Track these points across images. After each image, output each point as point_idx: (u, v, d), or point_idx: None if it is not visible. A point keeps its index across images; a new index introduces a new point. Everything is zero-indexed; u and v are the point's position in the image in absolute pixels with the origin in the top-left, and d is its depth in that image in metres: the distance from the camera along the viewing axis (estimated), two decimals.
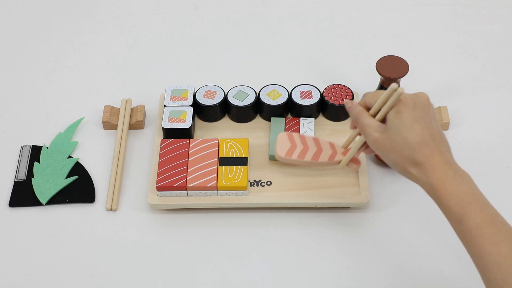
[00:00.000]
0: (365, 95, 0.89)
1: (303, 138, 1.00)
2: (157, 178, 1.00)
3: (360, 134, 0.93)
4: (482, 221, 0.77)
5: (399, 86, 1.06)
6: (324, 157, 0.98)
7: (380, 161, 1.06)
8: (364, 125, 0.87)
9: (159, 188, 0.99)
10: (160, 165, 1.01)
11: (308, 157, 0.98)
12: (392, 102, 0.84)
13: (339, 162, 0.99)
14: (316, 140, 1.00)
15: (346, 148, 0.99)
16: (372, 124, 0.86)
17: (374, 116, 0.87)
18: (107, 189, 1.04)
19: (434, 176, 0.80)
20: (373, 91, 0.89)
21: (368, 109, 0.89)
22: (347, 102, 0.91)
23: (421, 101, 0.84)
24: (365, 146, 0.94)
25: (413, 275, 0.94)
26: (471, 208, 0.78)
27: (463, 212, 0.78)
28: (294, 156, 0.98)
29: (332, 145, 1.00)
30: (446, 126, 1.10)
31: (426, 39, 1.27)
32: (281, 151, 0.98)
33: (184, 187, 0.99)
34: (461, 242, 0.79)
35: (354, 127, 0.94)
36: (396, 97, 0.83)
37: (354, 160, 0.98)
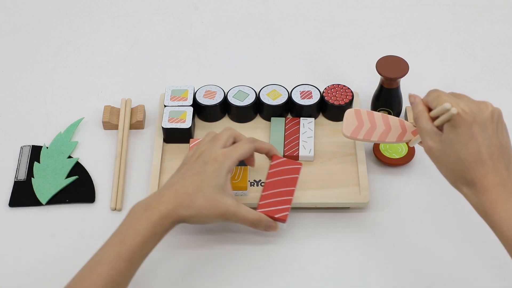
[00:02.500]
0: (430, 93, 0.85)
1: (371, 115, 0.97)
2: (259, 202, 0.94)
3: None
4: None
5: (399, 85, 1.06)
6: (392, 137, 0.95)
7: (380, 161, 1.06)
8: (421, 129, 0.84)
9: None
10: (266, 187, 0.95)
11: (375, 137, 0.96)
12: (443, 120, 0.81)
13: (409, 141, 0.95)
14: (385, 118, 0.97)
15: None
16: (429, 130, 0.83)
17: (434, 119, 0.83)
18: (107, 189, 1.04)
19: (486, 199, 0.77)
20: (438, 92, 0.84)
21: (430, 109, 0.85)
22: (411, 96, 0.86)
23: (483, 116, 0.80)
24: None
25: (413, 275, 0.94)
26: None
27: None
28: (360, 135, 0.96)
29: (402, 123, 0.96)
30: None
31: (426, 39, 1.27)
32: (347, 130, 0.96)
33: (284, 220, 0.93)
34: None
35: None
36: (447, 117, 0.80)
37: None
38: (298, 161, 1.00)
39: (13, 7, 1.34)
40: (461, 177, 0.80)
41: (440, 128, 0.83)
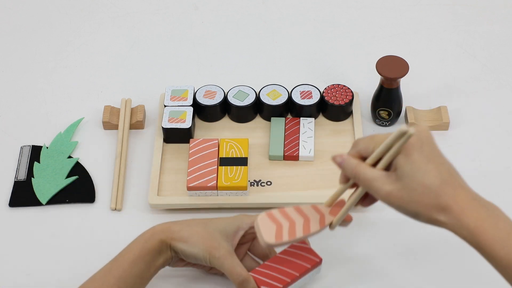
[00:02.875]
0: (356, 143, 0.78)
1: (284, 212, 0.84)
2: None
3: (353, 187, 0.80)
4: None
5: (399, 85, 1.06)
6: (315, 226, 0.83)
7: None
8: (368, 180, 0.74)
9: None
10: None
11: (299, 232, 0.82)
12: (400, 146, 0.72)
13: (330, 224, 0.85)
14: (297, 209, 0.85)
15: (330, 205, 0.85)
16: (379, 176, 0.74)
17: (373, 165, 0.76)
18: (107, 189, 1.04)
19: (469, 219, 0.71)
20: (365, 137, 0.77)
21: (363, 158, 0.77)
22: (335, 157, 0.78)
23: (425, 136, 0.73)
24: (361, 200, 0.81)
25: (413, 275, 0.94)
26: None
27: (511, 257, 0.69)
28: (285, 237, 0.81)
29: (316, 208, 0.85)
30: (446, 126, 1.10)
31: (426, 39, 1.27)
32: (269, 237, 0.81)
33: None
34: None
35: (345, 181, 0.80)
36: (405, 140, 0.71)
37: (346, 217, 0.85)
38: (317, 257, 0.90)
39: (13, 7, 1.34)
40: (435, 206, 0.72)
41: (386, 169, 0.75)
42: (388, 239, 0.98)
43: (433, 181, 0.72)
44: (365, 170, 0.75)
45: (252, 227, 0.88)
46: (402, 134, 0.71)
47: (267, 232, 0.81)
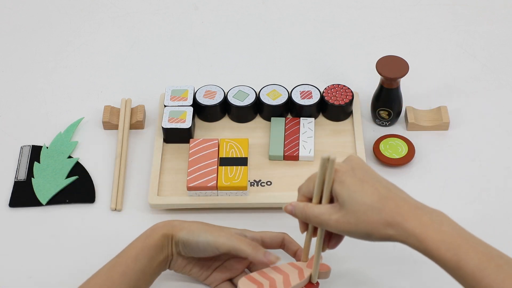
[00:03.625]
0: (299, 188, 0.83)
1: (263, 273, 0.87)
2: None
3: (314, 235, 0.84)
4: (480, 262, 0.72)
5: (399, 85, 1.06)
6: (295, 280, 0.85)
7: (380, 161, 1.06)
8: (316, 216, 0.79)
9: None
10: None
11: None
12: (330, 175, 0.77)
13: (310, 276, 0.87)
14: (275, 268, 0.87)
15: (306, 260, 0.88)
16: (324, 210, 0.78)
17: (319, 203, 0.80)
18: (107, 189, 1.04)
19: (414, 227, 0.74)
20: (305, 180, 0.82)
21: (309, 200, 0.82)
22: (286, 207, 0.82)
23: (356, 162, 0.79)
24: (326, 243, 0.85)
25: (413, 275, 0.94)
26: (463, 250, 0.73)
27: (458, 258, 0.72)
28: None
29: (293, 264, 0.88)
30: (446, 126, 1.10)
31: (426, 39, 1.27)
32: None
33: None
34: (462, 285, 0.73)
35: (304, 229, 0.85)
36: (331, 166, 0.76)
37: (322, 267, 0.87)
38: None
39: (13, 7, 1.34)
40: (381, 221, 0.75)
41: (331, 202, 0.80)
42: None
43: (372, 198, 0.76)
44: (312, 208, 0.80)
45: (259, 240, 0.90)
46: (326, 162, 0.76)
47: None
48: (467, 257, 0.72)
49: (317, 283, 0.88)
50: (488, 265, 0.72)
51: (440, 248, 0.73)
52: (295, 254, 0.90)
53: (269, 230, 0.91)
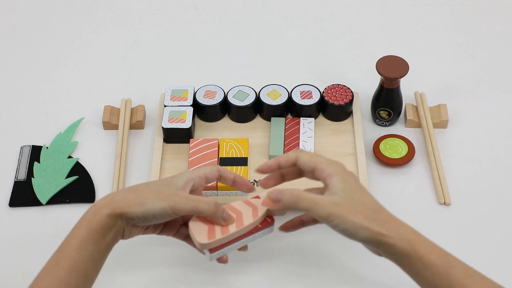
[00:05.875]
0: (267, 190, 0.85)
1: None
2: None
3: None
4: (467, 269, 0.77)
5: (399, 85, 1.06)
6: (248, 218, 0.84)
7: (380, 161, 1.06)
8: (312, 199, 0.79)
9: None
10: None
11: (232, 228, 0.83)
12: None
13: (264, 215, 0.85)
14: (228, 206, 0.86)
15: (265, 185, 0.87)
16: (321, 196, 0.80)
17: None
18: (107, 189, 1.04)
19: (407, 232, 0.78)
20: (303, 152, 0.84)
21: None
22: (273, 194, 0.82)
23: (353, 175, 0.82)
24: (285, 225, 0.88)
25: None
26: (452, 258, 0.77)
27: (448, 265, 0.76)
28: (218, 235, 0.82)
29: (246, 202, 0.86)
30: (444, 124, 1.10)
31: (426, 39, 1.27)
32: (202, 238, 0.82)
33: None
34: None
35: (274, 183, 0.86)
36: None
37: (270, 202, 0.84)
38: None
39: (13, 7, 1.34)
40: (375, 220, 0.78)
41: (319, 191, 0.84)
42: None
43: (371, 203, 0.80)
44: (305, 193, 0.80)
45: (203, 179, 0.85)
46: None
47: (200, 233, 0.82)
48: (456, 264, 0.76)
49: (272, 219, 0.86)
50: (474, 273, 0.76)
51: (431, 254, 0.76)
52: (233, 182, 0.88)
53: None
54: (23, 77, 1.22)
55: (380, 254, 0.81)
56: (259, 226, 0.86)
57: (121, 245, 0.85)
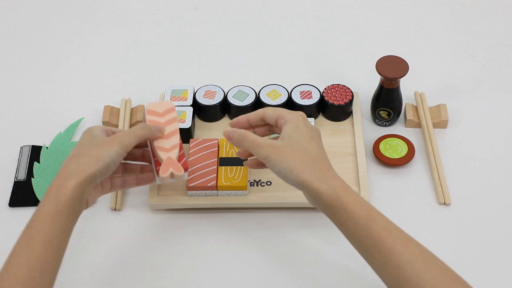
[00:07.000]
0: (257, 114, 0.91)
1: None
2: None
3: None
4: (388, 224, 0.80)
5: (399, 85, 1.06)
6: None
7: (380, 161, 1.06)
8: (253, 140, 0.85)
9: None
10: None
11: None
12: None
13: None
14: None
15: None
16: (261, 138, 0.86)
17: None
18: None
19: (336, 184, 0.82)
20: (265, 110, 0.90)
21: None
22: (226, 132, 0.89)
23: (308, 122, 0.88)
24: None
25: None
26: (375, 212, 0.81)
27: (370, 217, 0.80)
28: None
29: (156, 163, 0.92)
30: (444, 124, 1.10)
31: (426, 39, 1.27)
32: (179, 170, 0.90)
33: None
34: (363, 246, 0.80)
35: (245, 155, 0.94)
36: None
37: (177, 169, 0.90)
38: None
39: (13, 7, 1.34)
40: (311, 166, 0.82)
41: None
42: None
43: (312, 151, 0.84)
44: (251, 134, 0.86)
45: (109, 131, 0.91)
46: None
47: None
48: (378, 218, 0.80)
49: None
50: (394, 228, 0.80)
51: (355, 205, 0.80)
52: (141, 170, 0.95)
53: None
54: (23, 77, 1.22)
55: (315, 206, 0.85)
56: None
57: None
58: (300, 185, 0.83)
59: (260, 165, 0.93)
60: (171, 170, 0.89)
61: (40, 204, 0.82)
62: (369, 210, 0.81)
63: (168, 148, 0.91)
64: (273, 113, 0.89)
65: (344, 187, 0.82)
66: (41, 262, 0.78)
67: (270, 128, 0.92)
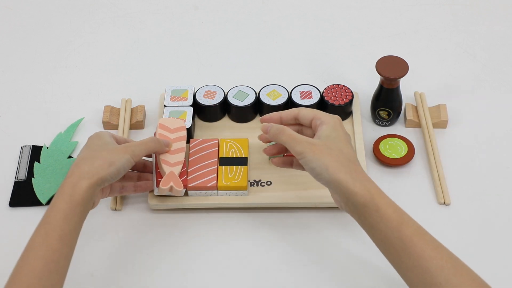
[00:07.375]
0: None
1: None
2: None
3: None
4: (419, 228, 0.81)
5: (399, 85, 1.06)
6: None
7: (380, 161, 1.06)
8: (294, 135, 0.87)
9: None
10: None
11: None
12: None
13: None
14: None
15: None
16: (299, 135, 0.87)
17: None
18: None
19: (371, 186, 0.83)
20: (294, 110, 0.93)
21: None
22: (264, 126, 0.92)
23: (343, 126, 0.89)
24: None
25: None
26: (407, 216, 0.82)
27: (402, 220, 0.81)
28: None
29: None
30: (444, 124, 1.10)
31: (426, 39, 1.27)
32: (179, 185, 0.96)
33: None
34: (392, 248, 0.81)
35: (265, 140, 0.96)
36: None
37: (178, 184, 0.97)
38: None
39: (13, 7, 1.34)
40: (346, 166, 0.83)
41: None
42: None
43: (348, 153, 0.85)
44: (288, 129, 0.88)
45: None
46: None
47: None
48: (410, 222, 0.81)
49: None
50: (425, 233, 0.81)
51: (388, 207, 0.81)
52: (139, 178, 1.00)
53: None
54: (23, 77, 1.22)
55: (342, 207, 0.86)
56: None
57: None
58: (334, 183, 0.83)
59: (287, 164, 0.95)
60: (171, 184, 0.94)
61: (54, 201, 0.85)
62: (401, 214, 0.82)
63: (172, 163, 0.97)
64: (308, 113, 0.91)
65: (378, 189, 0.83)
66: (57, 256, 0.81)
67: (299, 129, 0.93)
